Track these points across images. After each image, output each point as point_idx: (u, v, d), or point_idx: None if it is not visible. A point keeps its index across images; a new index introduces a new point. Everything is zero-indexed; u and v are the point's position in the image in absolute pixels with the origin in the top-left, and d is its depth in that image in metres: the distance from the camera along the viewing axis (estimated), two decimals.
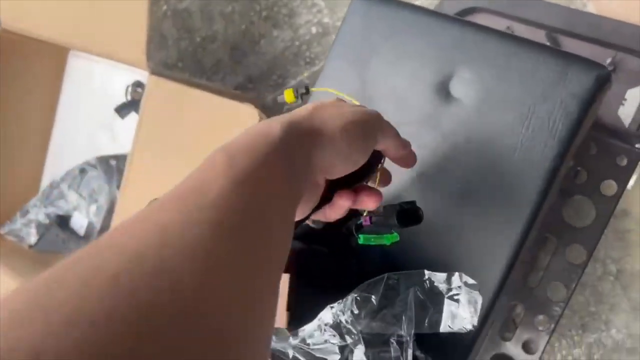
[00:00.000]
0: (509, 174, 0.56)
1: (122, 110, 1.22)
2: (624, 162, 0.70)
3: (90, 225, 1.20)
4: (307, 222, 0.51)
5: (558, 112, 0.55)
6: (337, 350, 0.37)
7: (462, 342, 0.60)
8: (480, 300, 0.43)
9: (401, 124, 0.63)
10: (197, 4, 1.48)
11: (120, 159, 1.21)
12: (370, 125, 0.42)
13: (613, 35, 0.90)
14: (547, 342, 0.74)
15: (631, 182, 0.86)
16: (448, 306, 0.43)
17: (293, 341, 0.37)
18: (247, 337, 0.26)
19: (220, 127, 0.95)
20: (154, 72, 1.03)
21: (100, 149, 1.27)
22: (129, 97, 1.25)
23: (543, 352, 0.74)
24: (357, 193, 0.45)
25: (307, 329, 0.38)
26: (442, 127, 0.60)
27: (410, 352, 0.38)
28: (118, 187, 1.18)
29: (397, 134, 0.46)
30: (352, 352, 0.37)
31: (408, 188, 0.63)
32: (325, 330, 0.38)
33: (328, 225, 0.52)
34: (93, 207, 1.19)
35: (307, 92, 0.64)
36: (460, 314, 0.42)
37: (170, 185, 0.32)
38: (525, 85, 0.56)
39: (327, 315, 0.38)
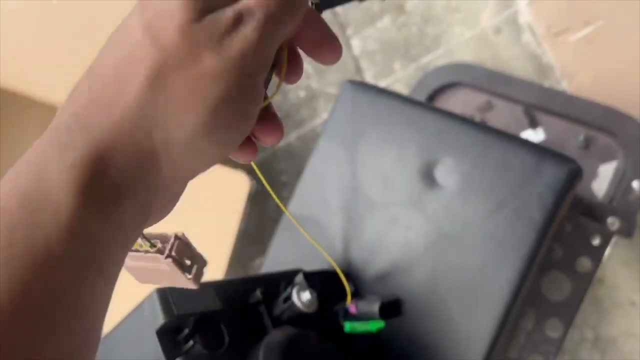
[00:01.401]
0: (489, 257, 0.60)
1: None
2: (597, 241, 0.74)
3: None
4: (300, 306, 0.54)
5: (534, 203, 0.59)
6: None
7: None
8: None
9: (389, 205, 0.67)
10: None
11: None
12: (255, 78, 0.24)
13: (585, 113, 0.95)
14: None
15: (605, 253, 0.90)
16: None
17: None
18: None
19: (208, 198, 0.96)
20: None
21: None
22: None
23: None
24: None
25: None
26: (426, 211, 0.64)
27: None
28: None
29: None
30: None
31: (392, 269, 0.66)
32: None
33: (319, 310, 0.55)
34: None
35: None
36: None
37: None
38: (502, 177, 0.60)
39: None
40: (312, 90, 1.33)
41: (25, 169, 0.22)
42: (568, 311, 0.74)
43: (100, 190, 0.22)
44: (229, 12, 0.22)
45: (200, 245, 0.88)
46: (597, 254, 0.73)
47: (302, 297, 0.53)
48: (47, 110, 1.31)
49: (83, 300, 0.22)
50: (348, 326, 0.52)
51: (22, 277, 0.20)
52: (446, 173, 0.64)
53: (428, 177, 0.65)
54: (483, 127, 0.63)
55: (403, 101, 0.68)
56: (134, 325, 0.48)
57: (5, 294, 0.19)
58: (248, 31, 0.23)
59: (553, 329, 0.75)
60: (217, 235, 0.94)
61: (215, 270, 0.91)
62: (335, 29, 1.31)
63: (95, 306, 0.23)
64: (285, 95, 1.35)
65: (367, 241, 0.68)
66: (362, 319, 0.53)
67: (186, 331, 0.47)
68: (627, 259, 1.00)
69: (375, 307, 0.49)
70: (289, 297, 0.53)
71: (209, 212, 0.95)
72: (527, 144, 0.60)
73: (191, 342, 0.46)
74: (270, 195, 0.50)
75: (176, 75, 0.22)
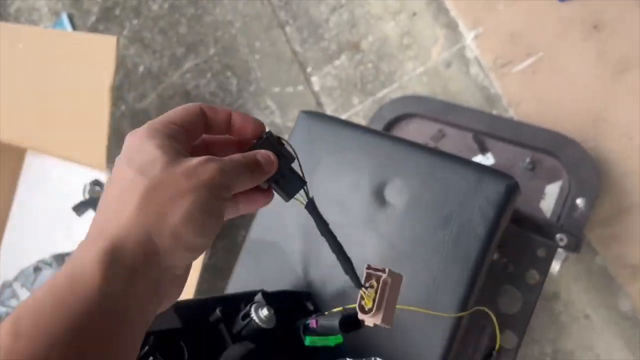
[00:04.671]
0: (438, 270, 0.63)
1: (80, 208, 1.26)
2: (543, 254, 0.78)
3: None
4: (258, 322, 0.56)
5: (476, 217, 0.63)
6: None
7: None
8: None
9: (344, 226, 0.70)
10: (155, 104, 1.56)
11: None
12: (221, 191, 0.34)
13: (531, 138, 1.02)
14: None
15: (557, 268, 0.95)
16: None
17: None
18: None
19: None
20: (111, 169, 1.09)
21: (56, 248, 1.29)
22: (87, 196, 1.29)
23: None
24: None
25: None
26: (379, 229, 0.68)
27: None
28: None
29: (247, 166, 0.37)
30: None
31: (350, 286, 0.69)
32: None
33: (279, 327, 0.57)
34: None
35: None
36: None
37: None
38: (447, 194, 0.65)
39: None
40: (276, 125, 1.37)
41: (71, 258, 0.31)
42: (520, 323, 0.77)
43: (118, 270, 0.30)
44: (199, 158, 0.34)
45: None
46: (543, 266, 0.78)
47: (261, 314, 0.56)
48: (14, 152, 1.32)
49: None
50: (308, 340, 0.54)
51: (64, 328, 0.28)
52: (395, 193, 0.68)
53: (379, 198, 0.69)
54: (429, 150, 0.68)
55: (355, 129, 0.72)
56: None
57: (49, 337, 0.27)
58: (214, 165, 0.34)
59: (508, 341, 0.78)
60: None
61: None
62: (295, 68, 1.36)
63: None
64: None
65: (325, 262, 0.71)
66: (322, 334, 0.55)
67: (146, 348, 0.48)
68: (577, 274, 1.04)
69: (335, 321, 0.52)
70: (247, 314, 0.56)
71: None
72: (469, 163, 0.65)
73: (151, 359, 0.48)
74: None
75: (161, 193, 0.32)
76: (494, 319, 0.70)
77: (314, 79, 1.35)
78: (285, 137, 1.39)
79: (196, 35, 1.52)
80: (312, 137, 0.74)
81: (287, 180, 0.43)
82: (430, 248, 0.64)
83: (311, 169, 0.74)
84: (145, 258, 0.31)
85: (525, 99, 1.13)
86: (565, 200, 0.98)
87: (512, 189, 0.63)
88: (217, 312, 0.55)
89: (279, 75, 1.39)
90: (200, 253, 0.34)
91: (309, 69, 1.36)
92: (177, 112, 0.37)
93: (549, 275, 1.01)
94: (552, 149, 1.00)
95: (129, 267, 0.30)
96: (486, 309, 0.69)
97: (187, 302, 0.56)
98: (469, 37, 1.21)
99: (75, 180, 1.34)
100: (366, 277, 0.50)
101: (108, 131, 1.06)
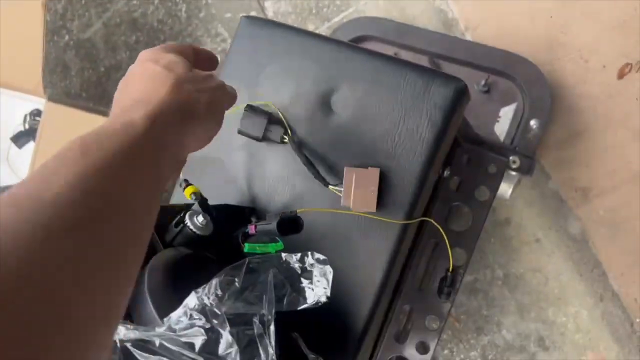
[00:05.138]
0: (386, 178, 0.61)
1: (19, 139, 1.19)
2: (494, 170, 0.77)
3: None
4: (192, 228, 0.53)
5: (424, 122, 0.61)
6: (204, 333, 0.39)
7: (352, 340, 0.63)
8: (330, 273, 0.47)
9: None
10: (100, 34, 1.47)
11: None
12: (224, 100, 0.46)
13: (486, 59, 0.99)
14: (437, 341, 0.79)
15: (509, 191, 0.94)
16: (302, 283, 0.46)
17: (159, 329, 0.38)
18: (87, 325, 0.27)
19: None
20: (51, 99, 1.02)
21: None
22: (27, 126, 1.22)
23: (434, 351, 0.79)
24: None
25: (173, 316, 0.40)
26: (326, 139, 0.65)
27: (272, 329, 0.41)
28: None
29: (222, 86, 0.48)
30: (219, 333, 0.39)
31: (295, 200, 0.67)
32: (191, 314, 0.40)
33: (216, 233, 0.54)
34: None
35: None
36: (314, 288, 0.45)
37: None
38: (394, 99, 0.62)
39: (192, 300, 0.40)
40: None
41: (124, 116, 0.36)
42: (470, 239, 0.77)
43: (162, 123, 0.37)
44: (206, 72, 0.46)
45: None
46: (493, 183, 0.76)
47: (196, 220, 0.53)
48: None
49: (149, 173, 0.35)
50: (247, 247, 0.52)
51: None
52: (342, 101, 0.64)
53: (325, 106, 0.65)
54: (376, 54, 0.64)
55: (299, 33, 0.68)
56: None
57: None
58: (218, 80, 0.46)
59: (457, 258, 0.78)
60: None
61: None
62: None
63: (151, 186, 0.35)
64: None
65: (270, 176, 0.68)
66: (262, 241, 0.53)
67: None
68: (530, 198, 1.05)
69: (273, 224, 0.49)
70: (181, 221, 0.52)
71: None
72: (416, 67, 0.62)
73: None
74: None
75: (188, 86, 0.42)
76: (443, 232, 0.68)
77: (267, 4, 1.29)
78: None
79: None
80: (255, 43, 0.70)
81: None
82: (377, 157, 0.62)
83: (254, 78, 0.70)
84: (182, 121, 0.39)
85: (482, 22, 1.10)
86: (519, 123, 0.97)
87: (461, 92, 0.60)
88: None
89: (231, 0, 1.32)
90: (208, 141, 0.45)
91: None
92: (178, 46, 0.46)
93: (502, 201, 1.00)
94: (507, 70, 0.98)
95: (168, 124, 0.38)
96: (432, 220, 0.67)
97: None
98: None
99: (17, 109, 1.27)
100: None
101: (44, 48, 0.99)
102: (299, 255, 0.48)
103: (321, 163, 0.65)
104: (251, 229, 0.52)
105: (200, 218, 0.53)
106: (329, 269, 0.47)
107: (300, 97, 0.66)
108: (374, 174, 0.60)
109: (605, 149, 0.99)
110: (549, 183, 1.04)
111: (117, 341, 0.38)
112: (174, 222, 0.52)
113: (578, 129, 1.02)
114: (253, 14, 1.30)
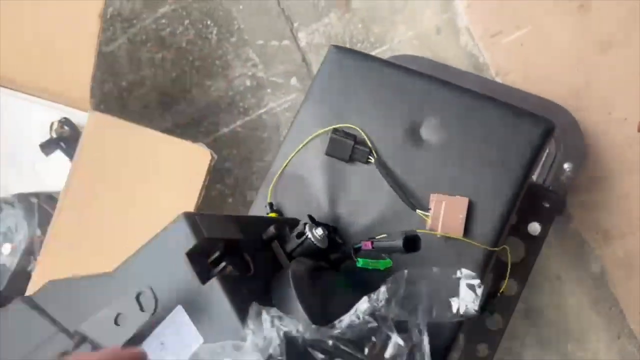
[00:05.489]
0: (472, 207, 0.65)
1: (47, 147, 1.17)
2: (548, 205, 0.82)
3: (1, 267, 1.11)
4: (313, 240, 0.56)
5: (513, 157, 0.65)
6: (375, 335, 0.41)
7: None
8: (480, 287, 0.50)
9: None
10: (124, 48, 1.48)
11: (42, 196, 1.15)
12: None
13: (521, 102, 1.05)
14: None
15: (538, 229, 1.00)
16: (452, 297, 0.49)
17: (333, 332, 0.40)
18: None
19: (169, 168, 0.95)
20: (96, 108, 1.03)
21: (8, 187, 1.19)
22: (54, 134, 1.20)
23: None
24: None
25: (345, 319, 0.42)
26: (411, 165, 0.68)
27: (426, 338, 0.44)
28: (39, 225, 1.11)
29: None
30: (388, 337, 0.41)
31: (379, 224, 0.70)
32: (362, 318, 0.42)
33: (330, 247, 0.57)
34: (7, 247, 1.11)
35: None
36: (462, 301, 0.48)
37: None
38: (484, 134, 0.66)
39: (363, 304, 0.43)
40: (259, 79, 1.34)
41: None
42: (524, 271, 0.81)
43: None
44: None
45: (164, 215, 0.87)
46: (547, 218, 0.81)
47: (316, 233, 0.55)
48: None
49: None
50: (361, 262, 0.54)
51: None
52: (432, 132, 0.68)
53: (413, 135, 0.69)
54: (465, 90, 0.69)
55: (388, 65, 0.72)
56: (157, 249, 0.47)
57: None
58: None
59: (509, 288, 0.82)
60: (179, 206, 0.92)
61: None
62: (281, 22, 1.34)
63: None
64: (231, 83, 1.35)
65: (352, 198, 0.71)
66: (374, 257, 0.55)
67: (217, 254, 0.46)
68: (552, 238, 1.10)
69: (398, 242, 0.52)
70: (302, 233, 0.54)
71: (170, 184, 0.93)
72: (506, 105, 0.67)
73: (223, 264, 0.46)
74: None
75: None
76: (510, 260, 0.72)
77: (301, 35, 1.33)
78: (268, 90, 1.36)
79: None
80: (342, 72, 0.74)
81: None
82: (466, 185, 0.66)
83: (340, 104, 0.73)
84: None
85: (512, 69, 1.18)
86: (551, 165, 1.03)
87: (550, 131, 0.65)
88: (272, 229, 0.54)
89: (264, 28, 1.36)
90: None
91: (295, 24, 1.33)
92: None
93: None
94: (542, 114, 1.04)
95: None
96: (508, 250, 0.71)
97: (242, 218, 0.54)
98: (460, 6, 1.23)
99: (35, 117, 1.24)
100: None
101: (95, 62, 1.00)
102: (449, 269, 0.50)
103: (406, 187, 0.68)
104: (367, 244, 0.55)
105: (320, 231, 0.55)
106: (477, 283, 0.50)
107: (387, 125, 0.70)
108: (462, 202, 0.64)
109: (626, 195, 1.06)
110: (570, 224, 1.10)
111: (300, 340, 0.40)
112: (296, 233, 0.55)
113: (600, 175, 1.09)
114: (286, 42, 1.34)
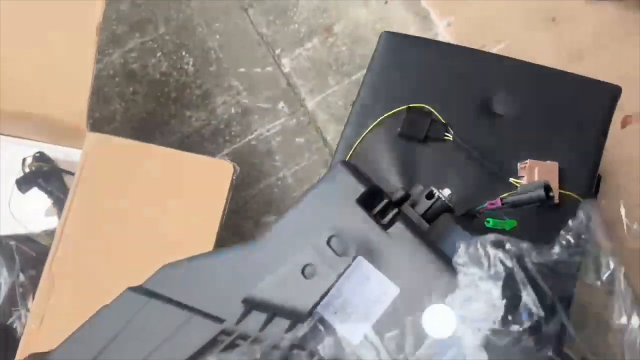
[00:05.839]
0: (562, 173, 0.65)
1: (23, 183, 1.05)
2: None
3: None
4: (445, 199, 0.52)
5: (588, 121, 0.66)
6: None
7: None
8: None
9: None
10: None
11: (20, 239, 1.02)
12: None
13: None
14: None
15: None
16: None
17: (552, 256, 0.37)
18: None
19: (190, 186, 0.88)
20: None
21: None
22: (27, 170, 1.08)
23: None
24: None
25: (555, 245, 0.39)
26: (489, 137, 0.68)
27: None
28: (21, 270, 0.98)
29: None
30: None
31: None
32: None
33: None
34: None
35: None
36: None
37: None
38: (556, 103, 0.67)
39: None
40: (243, 105, 1.30)
41: None
42: None
43: None
44: None
45: (186, 231, 0.80)
46: None
47: (444, 192, 0.52)
48: None
49: None
50: (492, 222, 0.52)
51: None
52: (504, 105, 0.68)
53: (487, 111, 0.69)
54: (527, 64, 0.70)
55: (445, 45, 0.72)
56: (314, 204, 0.42)
57: None
58: None
59: None
60: (202, 222, 0.84)
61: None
62: (262, 50, 1.32)
63: None
64: (214, 112, 1.30)
65: (430, 176, 0.68)
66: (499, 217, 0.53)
67: (385, 201, 0.42)
68: None
69: (539, 191, 0.51)
70: (432, 194, 0.51)
71: (193, 199, 0.85)
72: (569, 74, 0.68)
73: (395, 210, 0.41)
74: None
75: None
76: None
77: (285, 61, 1.32)
78: (255, 116, 1.33)
79: (142, 14, 1.40)
80: (401, 56, 0.73)
81: None
82: (549, 151, 0.66)
83: (405, 88, 0.71)
84: None
85: None
86: None
87: (617, 95, 0.67)
88: (401, 190, 0.50)
89: (244, 56, 1.33)
90: None
91: (277, 51, 1.32)
92: None
93: None
94: None
95: None
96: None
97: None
98: (441, 25, 1.29)
99: (5, 153, 1.12)
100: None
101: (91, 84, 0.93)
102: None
103: (486, 159, 0.67)
104: (496, 203, 0.52)
105: (448, 191, 0.52)
106: None
107: (459, 102, 0.69)
108: (553, 167, 0.63)
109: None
110: None
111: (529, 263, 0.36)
112: (425, 194, 0.51)
113: None
114: (269, 69, 1.32)
